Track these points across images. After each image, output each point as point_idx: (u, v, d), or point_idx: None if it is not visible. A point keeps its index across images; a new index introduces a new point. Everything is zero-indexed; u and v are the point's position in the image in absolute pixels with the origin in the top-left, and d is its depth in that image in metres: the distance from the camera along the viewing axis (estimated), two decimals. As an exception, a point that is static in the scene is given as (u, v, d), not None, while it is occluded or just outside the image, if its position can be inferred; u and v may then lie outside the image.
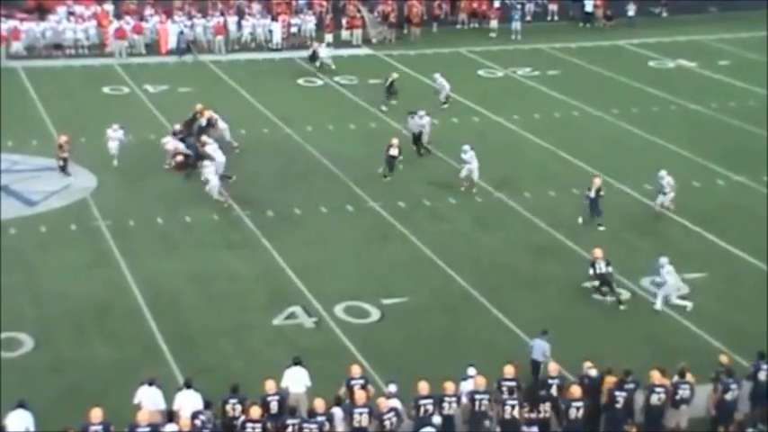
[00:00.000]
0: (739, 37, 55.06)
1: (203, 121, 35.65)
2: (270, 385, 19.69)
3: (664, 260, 26.21)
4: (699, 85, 46.41)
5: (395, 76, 42.56)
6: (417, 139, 36.32)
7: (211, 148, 33.36)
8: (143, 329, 24.68)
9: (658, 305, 25.92)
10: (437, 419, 19.38)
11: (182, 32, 50.10)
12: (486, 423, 19.60)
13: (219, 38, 50.75)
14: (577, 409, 19.42)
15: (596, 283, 26.51)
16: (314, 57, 48.19)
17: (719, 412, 20.25)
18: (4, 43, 48.07)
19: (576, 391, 19.61)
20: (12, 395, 19.88)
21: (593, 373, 20.56)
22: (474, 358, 21.52)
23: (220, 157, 33.06)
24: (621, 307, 26.12)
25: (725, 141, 38.25)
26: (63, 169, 33.51)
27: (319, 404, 19.04)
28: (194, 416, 18.82)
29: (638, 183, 34.00)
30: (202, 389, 19.80)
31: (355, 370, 20.37)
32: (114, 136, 34.95)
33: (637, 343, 23.27)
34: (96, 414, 18.34)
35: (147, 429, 18.23)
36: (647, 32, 55.94)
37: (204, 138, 33.92)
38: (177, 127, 35.10)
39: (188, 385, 19.88)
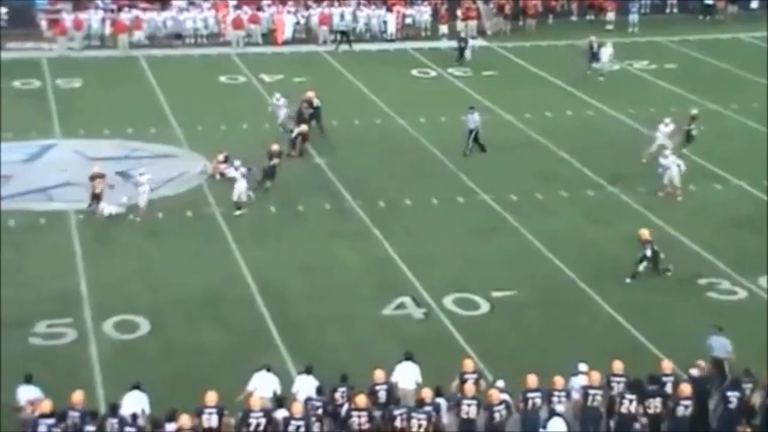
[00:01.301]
0: None
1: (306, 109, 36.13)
2: (379, 375, 19.78)
3: None
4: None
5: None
6: (472, 134, 35.40)
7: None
8: (254, 317, 25.06)
9: None
10: (561, 408, 19.28)
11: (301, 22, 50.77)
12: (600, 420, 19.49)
13: (324, 28, 51.15)
14: (686, 407, 19.12)
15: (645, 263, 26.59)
16: (462, 53, 47.90)
17: None
18: (127, 32, 49.16)
19: (685, 389, 19.29)
20: (126, 377, 20.35)
21: (695, 372, 20.18)
22: (581, 352, 21.33)
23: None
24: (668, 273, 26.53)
25: None
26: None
27: (427, 394, 19.06)
28: (306, 401, 19.06)
29: (756, 179, 33.28)
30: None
31: (468, 364, 20.24)
32: (279, 104, 36.79)
33: (750, 342, 22.75)
34: (211, 397, 18.58)
35: (261, 414, 18.44)
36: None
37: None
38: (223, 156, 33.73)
39: (308, 371, 20.13)
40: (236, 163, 31.70)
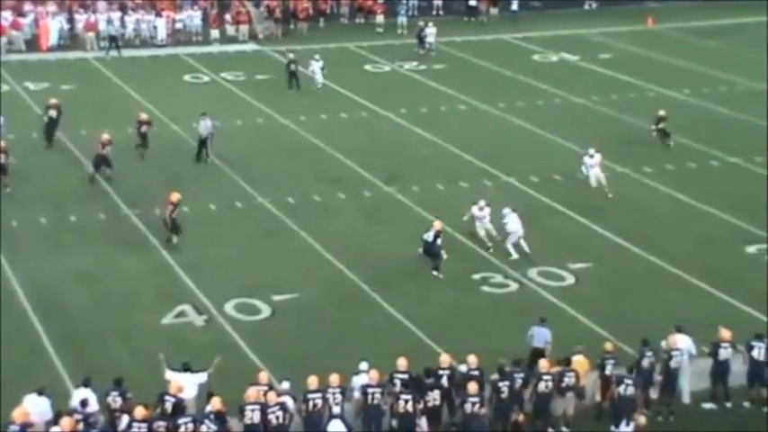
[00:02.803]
0: (620, 30, 56.22)
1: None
2: (174, 386, 19.53)
3: (506, 210, 28.96)
4: (581, 78, 47.27)
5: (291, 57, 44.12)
6: (207, 141, 35.21)
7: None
8: (28, 333, 24.19)
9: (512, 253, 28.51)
10: (337, 410, 19.41)
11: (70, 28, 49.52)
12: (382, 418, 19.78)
13: (91, 34, 49.93)
14: (473, 404, 19.64)
15: (422, 250, 27.83)
16: (421, 40, 49.96)
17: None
18: None
19: (472, 387, 19.75)
20: None
21: (464, 368, 20.72)
22: (366, 352, 21.61)
23: None
24: (434, 273, 27.41)
25: (608, 133, 39.00)
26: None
27: (216, 404, 18.99)
28: (71, 413, 18.58)
29: (524, 175, 34.55)
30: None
31: (263, 377, 20.20)
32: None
33: (523, 333, 23.57)
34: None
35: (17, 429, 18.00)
36: (529, 26, 56.76)
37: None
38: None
39: (85, 384, 19.70)
40: None
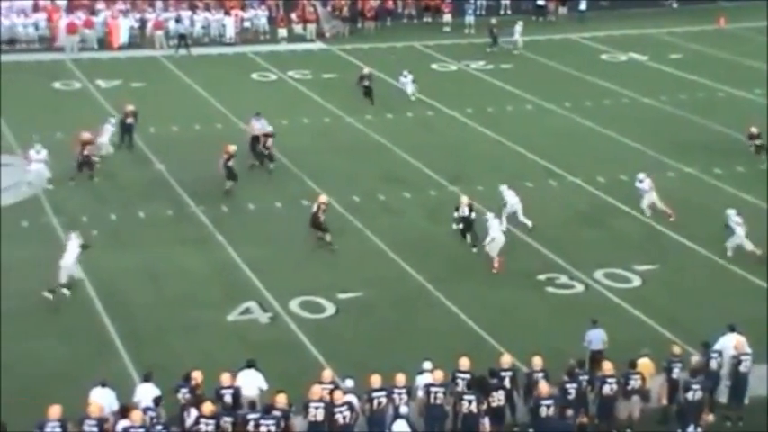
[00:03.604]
0: (690, 30, 55.59)
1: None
2: (225, 378, 19.70)
3: (731, 211, 28.55)
4: (650, 78, 46.79)
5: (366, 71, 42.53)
6: (256, 141, 34.81)
7: None
8: (96, 326, 24.51)
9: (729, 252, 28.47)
10: (405, 409, 19.43)
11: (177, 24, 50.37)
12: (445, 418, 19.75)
13: (160, 33, 50.47)
14: (548, 407, 19.40)
15: (460, 225, 28.91)
16: (494, 38, 50.26)
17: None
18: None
19: (544, 388, 19.55)
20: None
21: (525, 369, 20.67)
22: (428, 352, 21.56)
23: None
24: (474, 250, 28.32)
25: (676, 134, 38.61)
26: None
27: (281, 399, 19.01)
28: (145, 411, 18.83)
29: (590, 176, 34.30)
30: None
31: (326, 375, 20.17)
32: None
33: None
34: (55, 411, 18.21)
35: (94, 423, 18.25)
36: (598, 26, 56.34)
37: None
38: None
39: (146, 379, 19.95)
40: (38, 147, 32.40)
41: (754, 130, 36.43)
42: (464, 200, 29.24)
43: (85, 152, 32.74)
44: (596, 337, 22.21)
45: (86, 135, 33.14)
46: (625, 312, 25.71)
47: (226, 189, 31.75)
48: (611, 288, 27.02)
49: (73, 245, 26.08)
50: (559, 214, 31.59)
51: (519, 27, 51.16)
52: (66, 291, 25.52)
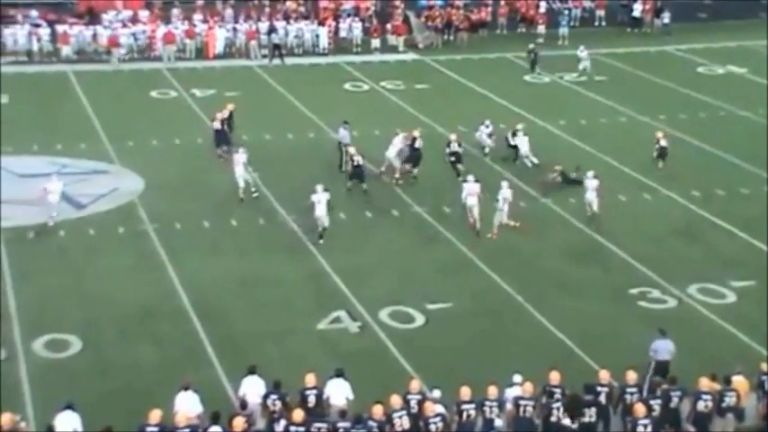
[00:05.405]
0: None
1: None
2: (309, 379, 19.87)
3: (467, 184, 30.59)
4: (748, 91, 45.94)
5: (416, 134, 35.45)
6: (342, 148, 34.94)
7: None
8: (188, 332, 24.85)
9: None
10: (499, 422, 19.33)
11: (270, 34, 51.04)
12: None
13: (254, 43, 51.01)
14: (644, 426, 19.03)
15: (452, 159, 33.86)
16: (533, 65, 48.66)
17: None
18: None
19: (640, 409, 19.14)
20: (58, 396, 20.05)
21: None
22: (517, 364, 21.44)
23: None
24: (459, 178, 32.10)
25: (774, 147, 37.88)
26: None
27: (377, 411, 19.00)
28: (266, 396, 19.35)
29: (686, 189, 33.78)
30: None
31: (414, 385, 20.12)
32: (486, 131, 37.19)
33: (682, 350, 23.04)
34: (155, 415, 18.48)
35: (187, 431, 18.46)
36: (695, 38, 55.51)
37: None
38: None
39: (252, 371, 20.33)
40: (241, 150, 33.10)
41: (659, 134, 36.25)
42: (452, 137, 34.55)
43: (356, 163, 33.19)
44: (663, 348, 21.89)
45: None
46: (720, 329, 25.25)
47: (403, 173, 34.21)
48: (705, 303, 26.57)
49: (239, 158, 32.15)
50: (653, 228, 31.16)
51: (585, 53, 48.75)
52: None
